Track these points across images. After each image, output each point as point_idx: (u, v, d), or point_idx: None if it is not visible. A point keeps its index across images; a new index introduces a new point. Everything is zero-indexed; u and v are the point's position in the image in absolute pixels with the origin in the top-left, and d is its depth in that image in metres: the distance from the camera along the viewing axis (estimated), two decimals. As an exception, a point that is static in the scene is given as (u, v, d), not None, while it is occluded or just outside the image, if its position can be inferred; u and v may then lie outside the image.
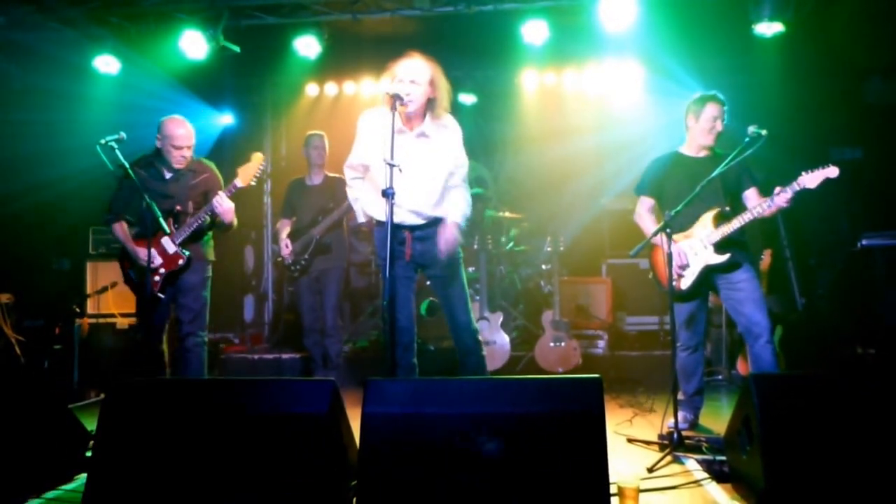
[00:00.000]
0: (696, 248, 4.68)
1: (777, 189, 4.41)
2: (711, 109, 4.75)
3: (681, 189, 4.63)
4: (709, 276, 4.73)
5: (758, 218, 4.52)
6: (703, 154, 4.84)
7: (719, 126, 4.76)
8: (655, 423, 4.93)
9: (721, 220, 4.62)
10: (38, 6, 6.49)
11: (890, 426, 3.13)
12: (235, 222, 5.10)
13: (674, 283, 4.70)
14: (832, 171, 4.31)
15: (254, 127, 9.27)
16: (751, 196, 4.71)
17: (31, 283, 6.61)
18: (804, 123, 7.11)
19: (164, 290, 4.95)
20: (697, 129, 4.80)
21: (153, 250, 4.82)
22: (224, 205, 4.88)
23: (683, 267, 4.69)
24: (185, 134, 5.01)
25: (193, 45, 6.52)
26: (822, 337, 6.71)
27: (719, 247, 4.62)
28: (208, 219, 4.97)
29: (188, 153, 5.05)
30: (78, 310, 6.60)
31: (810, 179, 4.32)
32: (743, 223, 4.54)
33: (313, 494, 3.07)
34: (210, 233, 5.21)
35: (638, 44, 7.08)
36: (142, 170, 4.96)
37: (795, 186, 4.34)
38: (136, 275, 5.03)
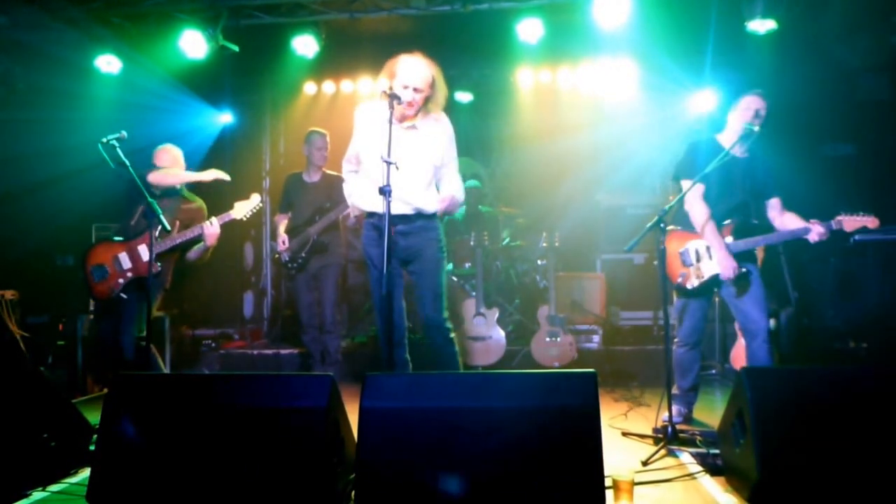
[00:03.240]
0: (713, 252, 4.67)
1: (813, 221, 4.45)
2: (746, 100, 4.71)
3: (715, 185, 4.59)
4: (718, 279, 4.70)
5: (783, 241, 4.59)
6: (742, 153, 4.72)
7: (748, 115, 4.64)
8: (650, 416, 4.99)
9: (742, 231, 4.62)
10: (41, 6, 6.52)
11: (882, 419, 3.18)
12: (208, 257, 5.32)
13: (680, 281, 4.74)
14: (872, 222, 4.36)
15: (253, 125, 9.28)
16: (774, 205, 4.71)
17: (34, 279, 6.64)
18: (797, 120, 7.13)
19: (126, 292, 5.10)
20: (734, 118, 4.74)
21: (124, 253, 5.12)
22: (214, 227, 5.10)
23: (688, 269, 4.71)
24: (160, 156, 5.35)
25: (193, 44, 6.56)
26: (814, 331, 6.76)
27: (737, 258, 4.59)
28: (190, 241, 5.15)
29: (160, 175, 5.26)
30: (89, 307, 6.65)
31: (848, 223, 4.37)
32: (769, 243, 4.60)
33: (312, 488, 3.12)
34: (174, 260, 5.35)
35: (632, 41, 7.11)
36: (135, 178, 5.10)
37: (832, 225, 4.39)
38: (99, 274, 5.15)
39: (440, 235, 4.45)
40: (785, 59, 7.04)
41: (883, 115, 7.44)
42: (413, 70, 4.15)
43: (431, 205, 4.34)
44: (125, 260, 5.12)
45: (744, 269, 4.58)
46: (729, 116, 4.84)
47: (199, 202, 5.42)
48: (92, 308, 6.60)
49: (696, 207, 4.68)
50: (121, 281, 5.10)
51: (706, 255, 4.70)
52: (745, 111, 4.68)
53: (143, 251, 5.08)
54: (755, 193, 4.72)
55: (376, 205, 4.19)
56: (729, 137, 4.77)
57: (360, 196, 4.40)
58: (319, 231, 6.16)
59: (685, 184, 4.74)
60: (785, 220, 4.67)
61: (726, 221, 4.68)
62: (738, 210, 4.68)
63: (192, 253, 5.29)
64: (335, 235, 6.30)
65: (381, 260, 4.04)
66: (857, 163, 7.45)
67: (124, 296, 5.08)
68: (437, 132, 4.35)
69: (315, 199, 6.26)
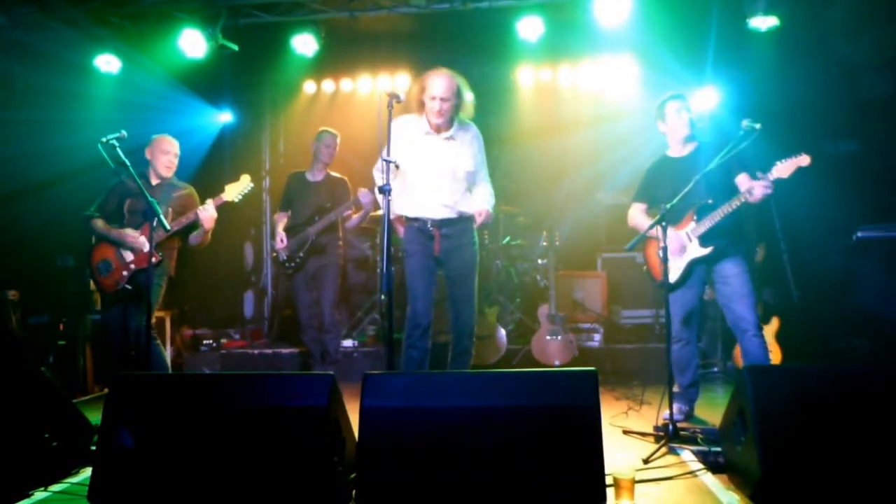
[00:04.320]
0: (683, 242, 4.79)
1: (759, 174, 4.49)
2: (672, 105, 4.93)
3: (672, 188, 4.68)
4: (699, 269, 4.83)
5: (737, 207, 4.58)
6: (686, 151, 4.95)
7: (685, 115, 4.90)
8: (651, 415, 4.97)
9: (702, 213, 4.72)
10: (40, 6, 6.52)
11: (883, 418, 3.17)
12: (209, 239, 5.36)
13: (664, 278, 4.79)
14: (804, 160, 4.36)
15: (253, 125, 9.27)
16: (742, 181, 4.73)
17: (35, 280, 6.63)
18: (799, 117, 7.11)
19: (131, 283, 5.16)
20: (670, 127, 4.96)
21: (136, 235, 5.16)
22: (209, 211, 5.15)
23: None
24: (174, 143, 5.41)
25: (192, 43, 6.55)
26: (817, 329, 6.74)
27: (704, 239, 4.73)
28: (185, 226, 5.20)
29: (175, 160, 5.40)
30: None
31: (783, 169, 4.39)
32: (724, 214, 4.61)
33: (313, 487, 3.11)
34: (175, 248, 5.42)
35: (633, 39, 7.10)
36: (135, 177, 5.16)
37: (769, 177, 4.42)
38: (105, 268, 5.23)
39: (475, 237, 4.85)
40: (787, 56, 7.03)
41: (886, 112, 7.41)
42: (438, 81, 4.58)
43: (471, 207, 4.78)
44: (127, 253, 5.18)
45: (711, 248, 4.72)
46: (662, 129, 5.04)
47: (189, 189, 5.47)
48: (98, 307, 6.63)
49: (634, 220, 5.14)
50: (125, 273, 5.16)
51: (677, 249, 4.80)
52: (675, 115, 4.91)
53: (143, 243, 5.13)
54: (710, 181, 4.69)
55: (419, 210, 4.72)
56: (673, 147, 5.04)
57: (403, 204, 4.76)
58: (318, 231, 6.14)
59: (634, 204, 5.18)
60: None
61: (689, 210, 4.77)
62: (696, 198, 4.71)
63: (193, 238, 5.34)
64: (334, 236, 6.29)
65: (423, 256, 4.70)
66: (860, 160, 7.42)
67: (129, 287, 5.15)
68: (469, 139, 4.80)
69: (316, 199, 6.24)
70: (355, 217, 6.19)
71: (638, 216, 5.12)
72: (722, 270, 4.76)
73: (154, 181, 5.36)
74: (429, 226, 4.71)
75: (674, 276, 4.81)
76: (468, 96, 4.70)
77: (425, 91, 4.59)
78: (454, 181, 4.74)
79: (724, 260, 4.75)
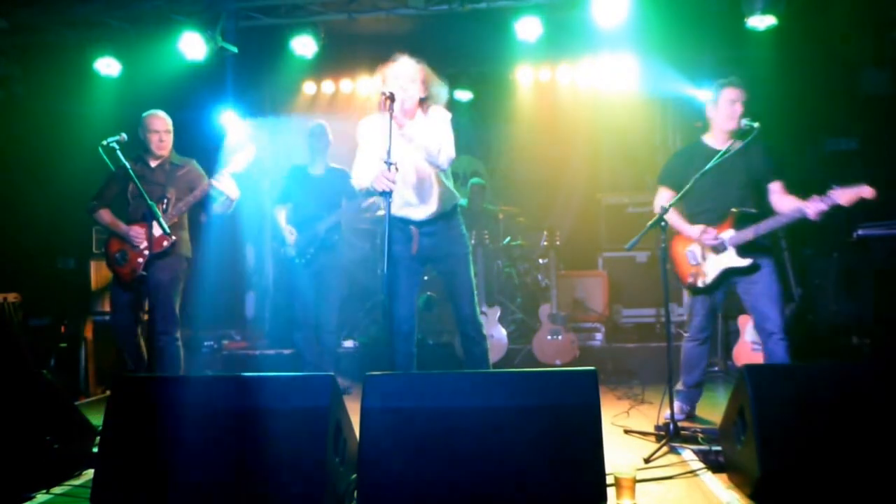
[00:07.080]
0: (719, 248, 4.66)
1: (814, 197, 4.30)
2: (728, 93, 4.68)
3: (704, 181, 4.48)
4: (728, 274, 4.68)
5: (784, 224, 4.50)
6: (727, 146, 4.62)
7: (738, 108, 4.63)
8: (652, 414, 4.97)
9: (743, 221, 4.57)
10: (40, 9, 6.53)
11: (883, 416, 3.17)
12: (232, 208, 5.28)
13: (691, 280, 4.76)
14: (866, 191, 4.21)
15: (253, 125, 9.27)
16: (776, 189, 4.64)
17: (36, 282, 6.64)
18: (799, 115, 7.12)
19: (147, 270, 5.10)
20: (719, 114, 4.73)
21: (140, 232, 5.13)
22: (227, 183, 5.07)
23: (697, 268, 4.72)
24: (160, 120, 5.29)
25: (192, 46, 6.54)
26: (818, 327, 6.75)
27: (743, 250, 4.59)
28: (192, 202, 5.17)
29: (166, 137, 5.29)
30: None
31: (844, 196, 4.22)
32: (770, 228, 4.48)
33: (314, 488, 3.12)
34: (187, 228, 5.39)
35: (632, 38, 7.09)
36: (134, 163, 5.15)
37: (828, 200, 4.24)
38: (122, 257, 5.21)
39: (464, 230, 4.56)
40: (787, 55, 7.03)
41: (886, 109, 7.42)
42: (400, 67, 4.26)
43: (449, 200, 4.44)
44: (141, 239, 5.15)
45: (750, 261, 4.56)
46: (710, 114, 4.82)
47: (189, 164, 5.39)
48: (101, 308, 6.65)
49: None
50: (140, 260, 5.14)
51: (711, 252, 4.69)
52: (727, 105, 4.67)
53: (154, 227, 5.04)
54: (753, 184, 4.66)
55: (400, 211, 4.34)
56: (715, 135, 4.81)
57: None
58: (327, 228, 6.05)
59: (661, 189, 4.93)
60: (784, 204, 4.56)
61: (727, 215, 4.64)
62: (736, 203, 4.63)
63: (217, 208, 5.26)
64: (342, 234, 6.23)
65: (402, 257, 4.34)
66: (860, 158, 7.43)
67: (145, 273, 5.08)
68: (431, 125, 4.30)
69: (321, 194, 6.12)
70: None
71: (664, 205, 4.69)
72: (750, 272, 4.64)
73: (153, 163, 5.28)
74: (407, 226, 4.41)
75: (705, 281, 4.72)
76: (437, 86, 4.34)
77: (387, 80, 4.23)
78: (425, 177, 4.35)
79: (755, 268, 4.61)
